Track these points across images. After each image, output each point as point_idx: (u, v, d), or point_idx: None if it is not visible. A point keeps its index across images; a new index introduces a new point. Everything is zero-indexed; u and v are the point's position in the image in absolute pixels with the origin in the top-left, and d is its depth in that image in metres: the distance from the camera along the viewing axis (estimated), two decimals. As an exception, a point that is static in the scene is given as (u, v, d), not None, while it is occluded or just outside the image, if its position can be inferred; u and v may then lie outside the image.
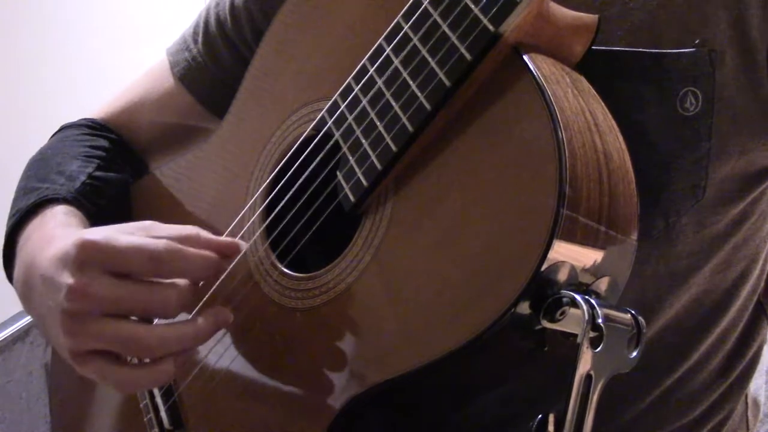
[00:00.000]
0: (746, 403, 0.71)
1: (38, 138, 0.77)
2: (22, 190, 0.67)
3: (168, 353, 0.51)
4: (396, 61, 0.51)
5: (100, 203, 0.67)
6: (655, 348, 0.57)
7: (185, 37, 0.76)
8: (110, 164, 0.72)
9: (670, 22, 0.53)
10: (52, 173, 0.68)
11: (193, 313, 0.55)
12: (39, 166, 0.70)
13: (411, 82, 0.49)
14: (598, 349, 0.42)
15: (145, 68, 0.79)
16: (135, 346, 0.50)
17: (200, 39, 0.74)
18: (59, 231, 0.59)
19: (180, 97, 0.75)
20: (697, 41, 0.52)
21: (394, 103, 0.50)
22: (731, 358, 0.66)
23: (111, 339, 0.50)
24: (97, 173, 0.69)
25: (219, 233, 0.61)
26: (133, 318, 0.51)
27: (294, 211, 0.57)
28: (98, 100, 0.80)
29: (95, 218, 0.65)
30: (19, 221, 0.63)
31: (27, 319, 0.84)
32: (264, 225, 0.58)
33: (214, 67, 0.73)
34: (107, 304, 0.49)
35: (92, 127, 0.76)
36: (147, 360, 0.52)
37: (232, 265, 0.56)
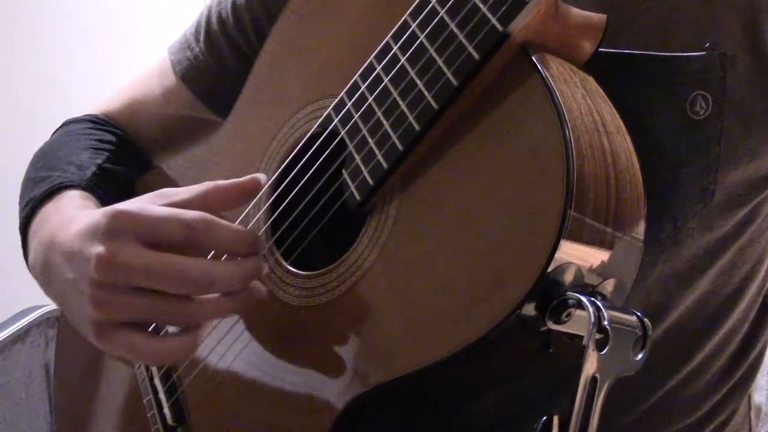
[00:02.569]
0: (749, 404, 0.71)
1: (39, 136, 0.77)
2: (32, 180, 0.66)
3: (203, 321, 0.50)
4: (403, 60, 0.50)
5: (110, 193, 0.66)
6: (659, 349, 0.56)
7: (187, 35, 0.76)
8: (118, 157, 0.72)
9: (681, 25, 0.53)
10: (62, 163, 0.67)
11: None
12: (48, 158, 0.70)
13: (418, 81, 0.49)
14: (604, 351, 0.41)
15: (145, 66, 0.79)
16: (169, 311, 0.49)
17: (202, 38, 0.74)
18: (78, 212, 0.58)
19: (182, 95, 0.75)
20: (708, 45, 0.52)
21: (400, 102, 0.50)
22: (735, 358, 0.66)
23: (144, 306, 0.48)
24: (107, 165, 0.69)
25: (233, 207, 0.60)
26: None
27: (299, 208, 0.57)
28: (99, 98, 0.80)
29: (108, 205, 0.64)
30: (32, 211, 0.63)
31: (27, 319, 0.84)
32: (269, 222, 0.58)
33: (215, 66, 0.73)
34: (138, 275, 0.48)
35: (96, 122, 0.76)
36: (173, 330, 0.51)
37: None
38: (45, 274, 0.57)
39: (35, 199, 0.63)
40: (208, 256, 0.51)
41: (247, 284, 0.51)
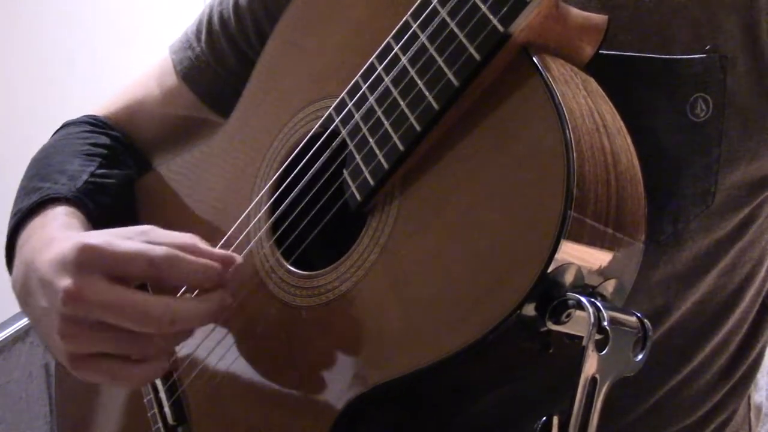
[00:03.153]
0: (749, 404, 0.71)
1: (40, 136, 0.77)
2: (24, 190, 0.67)
3: (166, 352, 0.52)
4: (404, 60, 0.51)
5: (103, 202, 0.67)
6: (659, 349, 0.56)
7: (188, 35, 0.76)
8: (113, 161, 0.72)
9: (682, 27, 0.53)
10: (54, 172, 0.67)
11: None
12: (41, 165, 0.70)
13: (419, 81, 0.49)
14: (604, 351, 0.41)
15: (147, 66, 0.79)
16: (131, 345, 0.50)
17: (203, 38, 0.74)
18: (59, 233, 0.59)
19: (183, 95, 0.75)
20: (708, 47, 0.52)
21: (401, 102, 0.50)
22: (735, 359, 0.66)
23: (109, 338, 0.50)
24: (100, 171, 0.69)
25: (224, 229, 0.61)
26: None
27: (300, 208, 0.57)
28: (100, 98, 0.80)
29: (98, 217, 0.65)
30: (21, 220, 0.63)
31: (27, 319, 0.84)
32: (269, 222, 0.58)
33: (217, 66, 0.73)
34: (102, 310, 0.49)
35: (94, 124, 0.76)
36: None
37: (235, 280, 0.56)
38: (23, 295, 0.58)
39: (23, 210, 0.64)
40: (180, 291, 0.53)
41: (210, 320, 0.53)
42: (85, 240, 0.50)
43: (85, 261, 0.50)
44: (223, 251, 0.55)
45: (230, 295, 0.54)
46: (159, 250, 0.50)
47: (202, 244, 0.53)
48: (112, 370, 0.51)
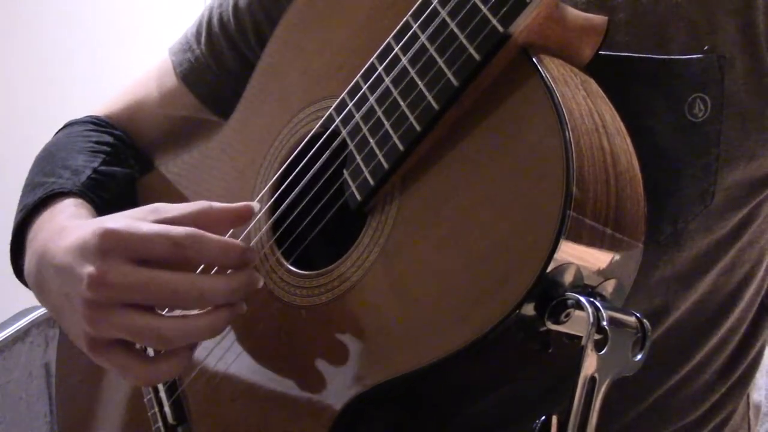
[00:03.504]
0: (748, 403, 0.71)
1: (40, 136, 0.77)
2: (29, 186, 0.67)
3: (185, 344, 0.51)
4: (404, 60, 0.51)
5: (105, 197, 0.67)
6: (658, 349, 0.56)
7: (188, 36, 0.76)
8: (115, 159, 0.72)
9: (679, 27, 0.53)
10: (57, 168, 0.68)
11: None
12: (45, 162, 0.70)
13: (419, 82, 0.49)
14: (603, 351, 0.42)
15: (147, 67, 0.79)
16: (155, 336, 0.50)
17: (203, 39, 0.74)
18: (70, 222, 0.59)
19: (182, 96, 0.75)
20: (706, 47, 0.52)
21: (401, 102, 0.50)
22: (734, 358, 0.66)
23: (132, 329, 0.49)
24: (102, 168, 0.69)
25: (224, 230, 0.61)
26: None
27: (300, 208, 0.57)
28: (101, 99, 0.81)
29: (101, 211, 0.65)
30: (27, 216, 0.63)
31: (27, 319, 0.84)
32: (270, 222, 0.58)
33: (216, 68, 0.73)
34: (129, 292, 0.49)
35: (97, 123, 0.76)
36: (163, 351, 0.52)
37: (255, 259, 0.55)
38: (39, 284, 0.58)
39: (29, 205, 0.64)
40: (200, 271, 0.52)
41: (238, 297, 0.52)
42: (106, 225, 0.50)
43: (108, 246, 0.49)
44: (236, 204, 0.54)
45: (257, 276, 0.53)
46: (181, 230, 0.50)
47: (216, 204, 0.53)
48: (126, 362, 0.51)
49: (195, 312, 0.51)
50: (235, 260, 0.52)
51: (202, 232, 0.50)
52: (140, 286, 0.49)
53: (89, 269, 0.49)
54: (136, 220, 0.51)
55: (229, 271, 0.52)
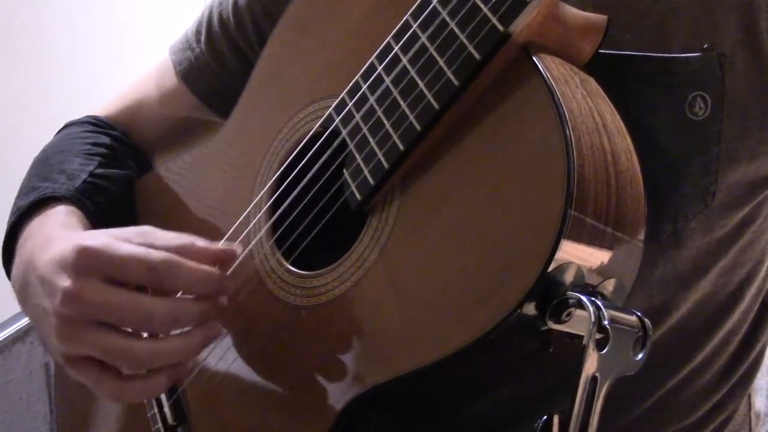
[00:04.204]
0: (749, 404, 0.71)
1: (40, 136, 0.77)
2: (25, 189, 0.67)
3: (159, 366, 0.52)
4: (404, 60, 0.51)
5: (101, 201, 0.67)
6: (659, 349, 0.56)
7: (188, 36, 0.76)
8: (113, 161, 0.72)
9: (679, 26, 0.53)
10: (53, 172, 0.68)
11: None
12: (41, 165, 0.71)
13: (419, 81, 0.49)
14: (604, 351, 0.41)
15: (148, 66, 0.79)
16: (126, 357, 0.51)
17: (203, 38, 0.74)
18: (59, 232, 0.59)
19: (183, 96, 0.75)
20: (706, 45, 0.52)
21: (401, 102, 0.50)
22: (735, 359, 0.66)
23: (103, 348, 0.50)
24: (99, 171, 0.69)
25: (224, 230, 0.61)
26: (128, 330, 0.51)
27: (300, 208, 0.57)
28: (101, 99, 0.81)
29: (97, 216, 0.65)
30: (20, 219, 0.64)
31: (27, 319, 0.84)
32: (270, 222, 0.58)
33: (216, 67, 0.74)
34: (101, 311, 0.50)
35: (96, 124, 0.76)
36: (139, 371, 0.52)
37: (234, 282, 0.56)
38: (23, 292, 0.58)
39: (22, 208, 0.64)
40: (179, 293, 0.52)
41: (211, 319, 0.53)
42: (83, 242, 0.51)
43: (84, 264, 0.50)
44: (222, 246, 0.55)
45: (226, 299, 0.54)
46: (158, 255, 0.50)
47: (201, 242, 0.53)
48: (99, 378, 0.52)
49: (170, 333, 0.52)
50: (210, 290, 0.52)
51: (179, 259, 0.51)
52: (113, 306, 0.50)
53: (65, 284, 0.50)
54: (117, 239, 0.51)
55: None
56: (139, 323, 0.51)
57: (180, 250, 0.52)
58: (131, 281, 0.51)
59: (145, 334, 0.52)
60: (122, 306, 0.50)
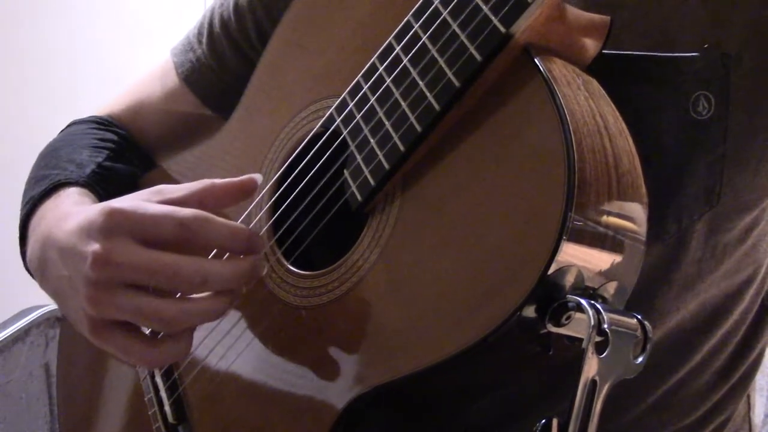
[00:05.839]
0: (748, 404, 0.71)
1: (41, 136, 0.78)
2: (33, 179, 0.67)
3: (187, 327, 0.51)
4: (405, 60, 0.50)
5: (110, 190, 0.67)
6: (658, 349, 0.56)
7: (189, 37, 0.76)
8: (119, 156, 0.72)
9: (683, 25, 0.53)
10: (62, 161, 0.68)
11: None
12: (49, 157, 0.71)
13: (420, 82, 0.49)
14: (604, 354, 0.41)
15: (149, 67, 0.79)
16: (157, 317, 0.49)
17: (204, 40, 0.74)
18: (75, 208, 0.59)
19: (184, 97, 0.75)
20: (707, 45, 0.52)
21: (402, 103, 0.50)
22: (734, 359, 0.66)
23: (135, 309, 0.49)
24: (107, 163, 0.70)
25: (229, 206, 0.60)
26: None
27: (301, 208, 0.57)
28: (103, 98, 0.81)
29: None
30: (33, 208, 0.63)
31: (27, 319, 0.84)
32: (271, 222, 0.58)
33: (218, 68, 0.73)
34: (133, 272, 0.48)
35: (100, 122, 0.77)
36: (165, 334, 0.51)
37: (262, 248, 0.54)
38: (41, 269, 0.57)
39: (34, 197, 0.64)
40: (210, 255, 0.51)
41: (242, 283, 0.51)
42: (112, 205, 0.50)
43: (114, 225, 0.49)
44: (240, 178, 0.53)
45: (262, 264, 0.52)
46: (188, 211, 0.49)
47: (219, 181, 0.52)
48: (128, 344, 0.50)
49: (197, 296, 0.51)
50: (242, 244, 0.51)
51: (209, 215, 0.49)
52: (145, 266, 0.48)
53: (94, 247, 0.48)
54: (142, 201, 0.50)
55: (226, 256, 0.52)
56: (169, 282, 0.49)
57: (203, 193, 0.51)
58: (162, 240, 0.49)
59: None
60: (153, 265, 0.48)
